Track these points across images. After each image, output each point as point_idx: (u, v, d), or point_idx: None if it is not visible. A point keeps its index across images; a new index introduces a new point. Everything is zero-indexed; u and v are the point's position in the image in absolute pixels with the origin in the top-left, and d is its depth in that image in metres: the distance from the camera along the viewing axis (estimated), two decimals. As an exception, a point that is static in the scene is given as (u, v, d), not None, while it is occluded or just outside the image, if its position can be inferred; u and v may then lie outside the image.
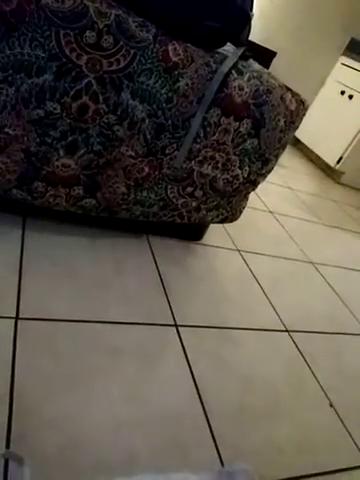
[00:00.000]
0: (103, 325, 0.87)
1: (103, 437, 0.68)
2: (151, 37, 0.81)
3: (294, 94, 1.03)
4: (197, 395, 0.83)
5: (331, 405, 0.97)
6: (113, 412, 0.73)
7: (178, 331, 0.96)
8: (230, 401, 0.86)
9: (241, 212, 1.24)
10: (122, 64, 0.80)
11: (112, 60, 0.79)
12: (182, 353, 0.91)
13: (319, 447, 0.86)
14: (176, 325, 0.97)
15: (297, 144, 3.25)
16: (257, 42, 2.65)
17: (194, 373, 0.87)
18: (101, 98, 0.81)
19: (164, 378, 0.83)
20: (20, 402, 0.67)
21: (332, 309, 1.35)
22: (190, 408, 0.80)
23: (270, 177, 2.20)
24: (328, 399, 0.98)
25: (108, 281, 1.00)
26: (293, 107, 1.01)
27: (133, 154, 0.92)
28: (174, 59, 0.84)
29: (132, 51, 0.80)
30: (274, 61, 2.66)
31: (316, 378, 1.03)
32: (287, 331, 1.15)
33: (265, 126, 0.99)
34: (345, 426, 0.94)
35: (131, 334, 0.89)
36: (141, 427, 0.73)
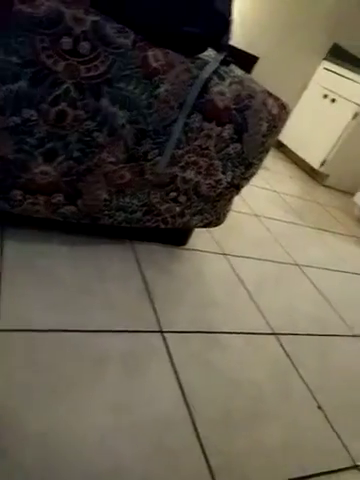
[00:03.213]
0: (86, 334, 0.86)
1: (88, 449, 0.67)
2: (130, 43, 0.80)
3: (276, 99, 1.04)
4: (184, 401, 0.83)
5: (319, 407, 0.97)
6: (97, 423, 0.71)
7: (164, 337, 0.95)
8: (217, 406, 0.85)
9: (225, 216, 1.25)
10: (100, 70, 0.79)
11: (90, 66, 0.78)
12: (168, 359, 0.90)
13: (307, 450, 0.86)
14: (162, 331, 0.96)
15: (281, 147, 3.28)
16: (239, 47, 2.67)
17: (180, 379, 0.87)
18: (80, 104, 0.81)
19: (150, 385, 0.82)
20: (0, 417, 0.65)
21: (318, 311, 1.36)
22: (177, 415, 0.79)
23: (255, 180, 2.22)
24: (316, 401, 0.99)
25: (91, 289, 0.98)
26: (275, 111, 1.02)
27: (114, 160, 0.91)
28: (154, 65, 0.83)
29: (111, 57, 0.79)
30: (257, 66, 2.69)
31: (303, 380, 1.03)
32: (274, 334, 1.15)
33: (247, 131, 0.99)
34: (333, 427, 0.94)
35: (115, 342, 0.87)
36: (127, 436, 0.71)
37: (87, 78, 0.79)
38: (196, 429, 0.78)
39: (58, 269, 1.00)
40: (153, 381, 0.83)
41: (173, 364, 0.89)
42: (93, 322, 0.89)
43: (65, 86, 0.78)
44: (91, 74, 0.79)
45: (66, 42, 0.75)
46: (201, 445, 0.76)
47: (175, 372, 0.87)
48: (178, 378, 0.86)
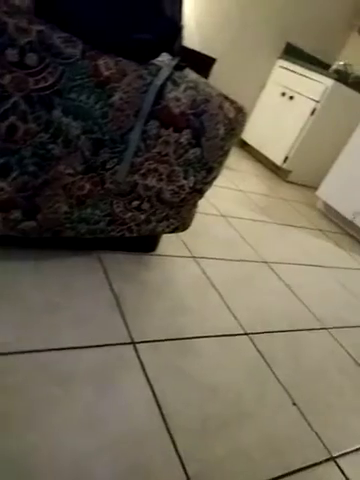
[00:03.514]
0: (54, 353, 0.83)
1: (60, 474, 0.65)
2: (79, 53, 0.79)
3: (232, 102, 1.05)
4: (159, 412, 0.82)
5: (294, 403, 0.99)
6: (71, 444, 0.69)
7: (136, 349, 0.94)
8: (193, 413, 0.85)
9: (192, 220, 1.25)
10: (50, 81, 0.77)
11: (39, 78, 0.76)
12: (141, 371, 0.89)
13: (286, 447, 0.87)
14: (133, 342, 0.95)
15: (245, 146, 3.33)
16: (197, 49, 2.69)
17: (155, 390, 0.86)
18: (31, 117, 0.78)
19: (123, 400, 0.80)
20: (-35, 450, 0.62)
21: (288, 306, 1.38)
22: (153, 427, 0.78)
23: (220, 181, 2.24)
24: (291, 398, 1.00)
25: (57, 305, 0.95)
26: (232, 115, 1.03)
27: (72, 172, 0.89)
28: (105, 73, 0.82)
29: (60, 68, 0.77)
30: (215, 67, 2.71)
31: (277, 378, 1.04)
32: (246, 334, 1.16)
33: (205, 135, 0.99)
34: (308, 422, 0.95)
35: (85, 359, 0.85)
36: (102, 455, 0.70)
37: (36, 90, 0.77)
38: (173, 439, 0.77)
39: (21, 286, 0.96)
40: (126, 395, 0.82)
41: (146, 375, 0.88)
42: (61, 340, 0.87)
43: (13, 99, 0.75)
44: (40, 86, 0.77)
45: (11, 54, 0.72)
46: (178, 455, 0.75)
47: (149, 383, 0.86)
48: (152, 389, 0.85)
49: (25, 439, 0.67)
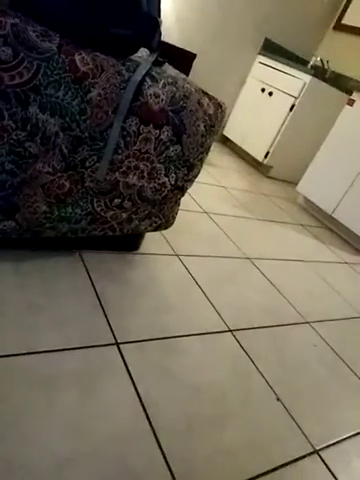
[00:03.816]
0: (35, 356, 0.81)
1: (44, 479, 0.63)
2: (55, 47, 0.76)
3: (211, 98, 1.04)
4: (144, 413, 0.81)
5: (278, 399, 1.00)
6: (54, 450, 0.68)
7: (120, 349, 0.92)
8: (178, 413, 0.84)
9: (174, 218, 1.24)
10: (25, 77, 0.74)
11: (14, 73, 0.73)
12: (125, 372, 0.88)
13: (270, 443, 0.88)
14: (117, 343, 0.94)
15: (226, 142, 3.33)
16: (177, 45, 2.67)
17: (139, 391, 0.85)
18: (6, 114, 0.75)
19: (107, 402, 0.79)
20: None
21: (271, 302, 1.39)
22: (137, 429, 0.77)
23: (202, 177, 2.24)
24: (275, 393, 1.01)
25: (38, 306, 0.93)
26: (211, 111, 1.02)
27: (51, 170, 0.86)
28: (83, 69, 0.80)
29: (35, 63, 0.75)
30: (195, 63, 2.70)
31: (261, 374, 1.05)
32: (230, 331, 1.16)
33: (186, 132, 0.98)
34: (293, 417, 0.96)
35: (68, 361, 0.84)
36: (86, 460, 0.68)
37: (12, 86, 0.74)
38: (158, 440, 0.77)
39: (1, 287, 0.93)
40: (110, 397, 0.81)
41: (131, 376, 0.87)
42: (42, 342, 0.85)
43: (-13, 96, 0.72)
44: (15, 82, 0.74)
45: (-17, 48, 0.69)
46: (164, 456, 0.75)
47: (133, 384, 0.85)
48: (137, 390, 0.84)
49: (3, 449, 0.65)
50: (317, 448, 0.91)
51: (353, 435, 0.99)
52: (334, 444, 0.95)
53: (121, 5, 0.78)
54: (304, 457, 0.88)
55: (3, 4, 0.76)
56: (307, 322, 1.37)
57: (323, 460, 0.89)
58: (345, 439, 0.97)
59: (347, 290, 1.73)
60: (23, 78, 0.75)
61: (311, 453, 0.89)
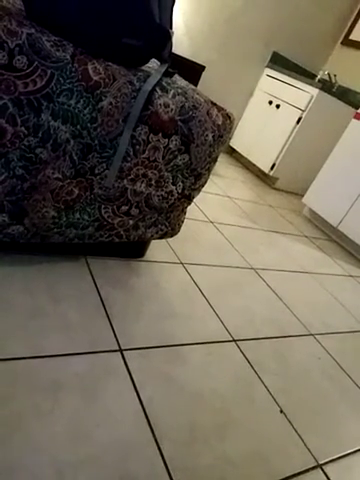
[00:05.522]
0: (40, 360, 0.81)
1: (45, 485, 0.63)
2: (68, 56, 0.78)
3: (220, 109, 1.05)
4: (146, 421, 0.80)
5: (281, 411, 0.99)
6: (55, 455, 0.67)
7: (123, 356, 0.92)
8: (181, 422, 0.84)
9: (180, 226, 1.24)
10: (39, 85, 0.76)
11: (28, 81, 0.75)
12: (128, 379, 0.88)
13: (273, 455, 0.87)
14: (121, 350, 0.94)
15: (233, 153, 3.36)
16: (186, 57, 2.71)
17: (142, 398, 0.84)
18: (19, 120, 0.77)
19: (110, 409, 0.79)
20: None
21: (275, 313, 1.39)
22: (139, 437, 0.77)
23: (208, 187, 2.25)
24: (278, 405, 1.00)
25: (44, 311, 0.94)
26: (220, 121, 1.03)
27: (60, 176, 0.88)
28: (95, 78, 0.82)
29: (49, 71, 0.76)
30: (204, 74, 2.74)
31: (265, 385, 1.04)
32: (234, 340, 1.16)
33: (194, 142, 1.00)
34: (295, 429, 0.95)
35: (72, 366, 0.84)
36: (87, 467, 0.68)
37: (25, 93, 0.76)
38: (159, 448, 0.76)
39: (8, 292, 0.94)
40: (113, 404, 0.80)
41: (134, 383, 0.87)
42: (46, 347, 0.85)
43: (2, 102, 0.74)
44: (29, 89, 0.76)
45: (1, 56, 0.71)
46: (165, 464, 0.74)
47: (136, 391, 0.85)
48: (139, 397, 0.84)
49: (4, 453, 0.65)
50: (320, 462, 0.90)
51: (357, 450, 0.98)
52: (338, 459, 0.93)
53: (134, 16, 0.80)
54: (307, 471, 0.87)
55: (14, 13, 0.78)
56: (311, 334, 1.36)
57: (326, 475, 0.88)
58: (349, 454, 0.96)
59: (351, 303, 1.72)
60: (36, 85, 0.76)
61: (314, 467, 0.88)
